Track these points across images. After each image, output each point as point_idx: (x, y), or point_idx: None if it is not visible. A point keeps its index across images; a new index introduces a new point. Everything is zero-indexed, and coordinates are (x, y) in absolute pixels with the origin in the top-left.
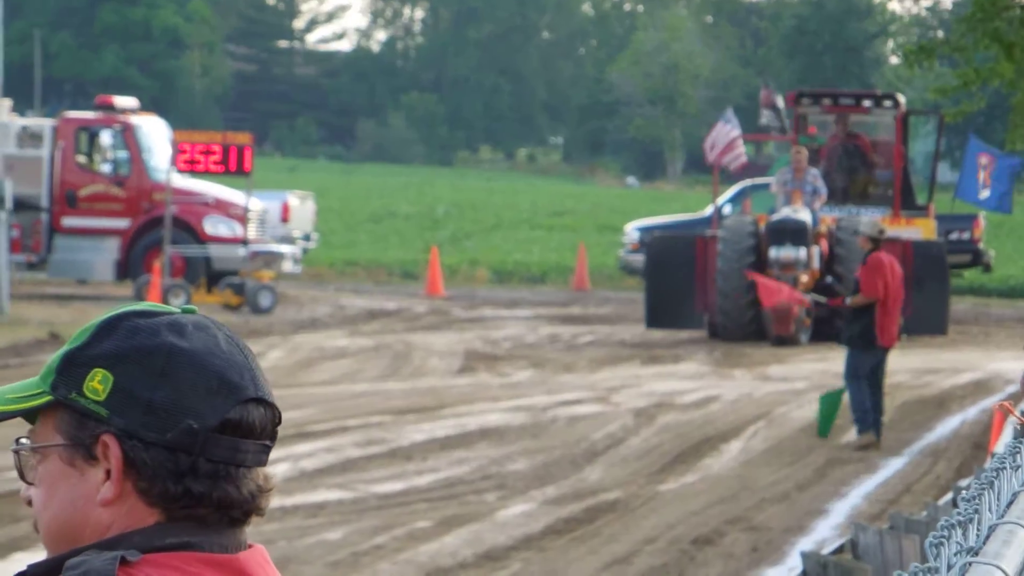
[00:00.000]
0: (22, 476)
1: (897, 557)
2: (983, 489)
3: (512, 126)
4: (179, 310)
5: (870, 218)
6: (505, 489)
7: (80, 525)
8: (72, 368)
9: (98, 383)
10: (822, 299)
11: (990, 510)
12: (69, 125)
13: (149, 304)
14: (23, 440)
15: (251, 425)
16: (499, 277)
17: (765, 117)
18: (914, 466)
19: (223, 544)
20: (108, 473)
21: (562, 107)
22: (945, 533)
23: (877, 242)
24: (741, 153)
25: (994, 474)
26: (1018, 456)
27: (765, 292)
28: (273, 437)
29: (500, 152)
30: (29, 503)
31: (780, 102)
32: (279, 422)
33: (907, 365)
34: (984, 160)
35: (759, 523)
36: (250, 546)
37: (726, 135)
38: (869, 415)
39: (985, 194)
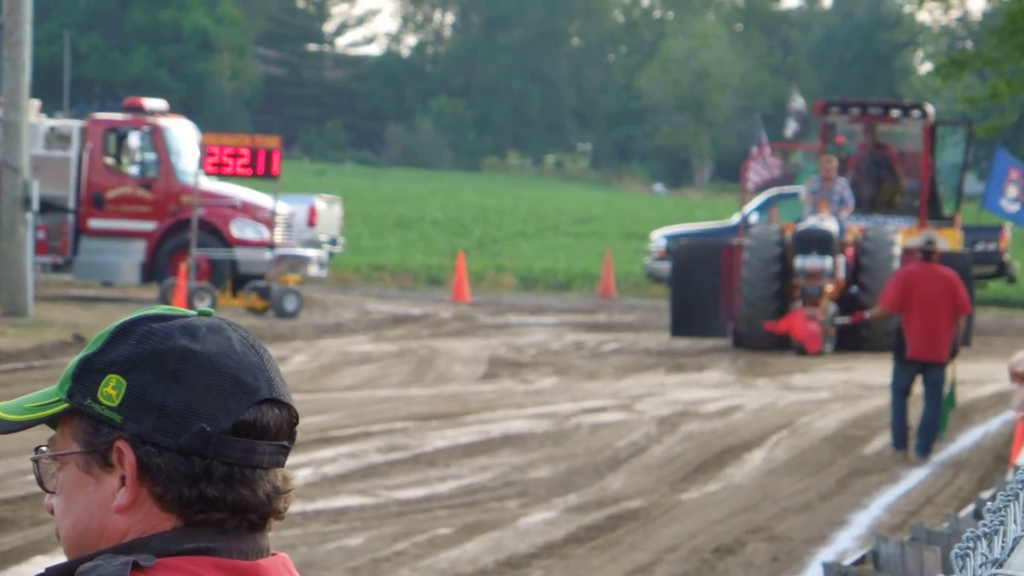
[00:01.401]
0: (42, 485)
1: (918, 569)
2: (1009, 501)
3: (540, 132)
4: (196, 313)
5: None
6: (527, 496)
7: (97, 532)
8: (87, 374)
9: (112, 389)
10: (845, 319)
11: (1015, 522)
12: (97, 126)
13: (165, 308)
14: (42, 448)
15: (266, 426)
16: (525, 283)
17: (790, 128)
18: (936, 478)
19: (242, 550)
20: (123, 479)
21: (590, 113)
22: (971, 544)
23: (926, 254)
24: (775, 167)
25: (1020, 486)
26: None
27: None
28: (291, 438)
29: (528, 158)
30: (52, 511)
31: (799, 104)
32: (296, 423)
33: None
34: (1015, 175)
35: (780, 533)
36: (273, 554)
37: (763, 159)
38: (900, 430)
39: (1014, 208)
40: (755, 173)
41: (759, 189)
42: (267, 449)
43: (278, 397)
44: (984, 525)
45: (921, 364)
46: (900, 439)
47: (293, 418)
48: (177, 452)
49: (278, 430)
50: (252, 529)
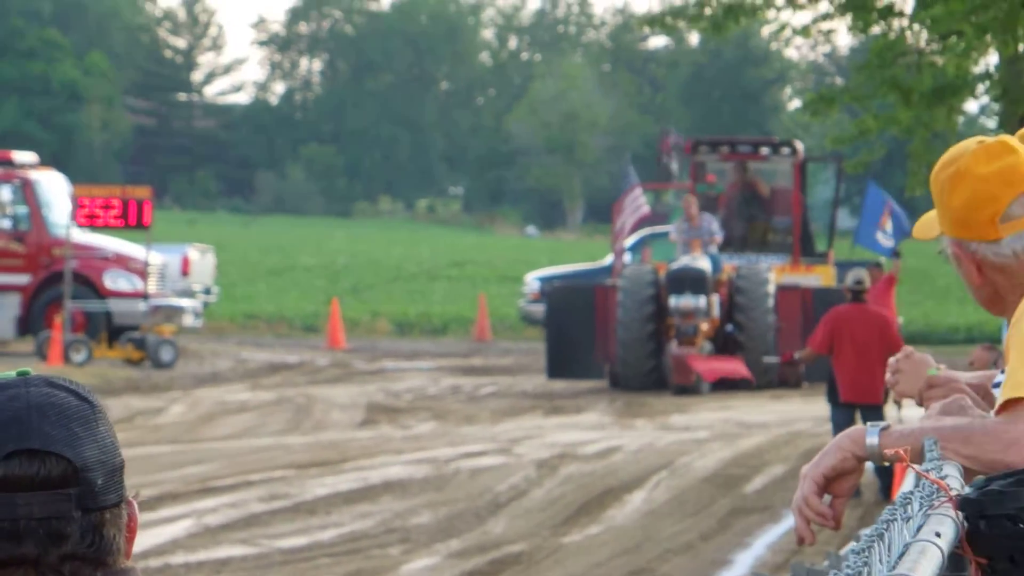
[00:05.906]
0: None
1: None
2: (873, 541)
3: (411, 177)
4: (14, 374)
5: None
6: (409, 543)
7: None
8: None
9: None
10: (774, 359)
11: (880, 562)
12: None
13: None
14: None
15: (19, 478)
16: (400, 329)
17: (670, 162)
18: None
19: None
20: None
21: (461, 157)
22: None
23: (855, 294)
24: (643, 205)
25: (884, 526)
26: (909, 507)
27: (708, 372)
28: (78, 485)
29: (399, 203)
30: None
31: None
32: (79, 471)
33: (809, 413)
34: (889, 209)
35: (663, 574)
36: None
37: (634, 200)
38: None
39: (890, 243)
40: (629, 216)
41: (634, 230)
42: (34, 500)
43: (33, 448)
44: (847, 566)
45: (857, 407)
46: None
47: (71, 466)
48: None
49: (44, 480)
50: None
